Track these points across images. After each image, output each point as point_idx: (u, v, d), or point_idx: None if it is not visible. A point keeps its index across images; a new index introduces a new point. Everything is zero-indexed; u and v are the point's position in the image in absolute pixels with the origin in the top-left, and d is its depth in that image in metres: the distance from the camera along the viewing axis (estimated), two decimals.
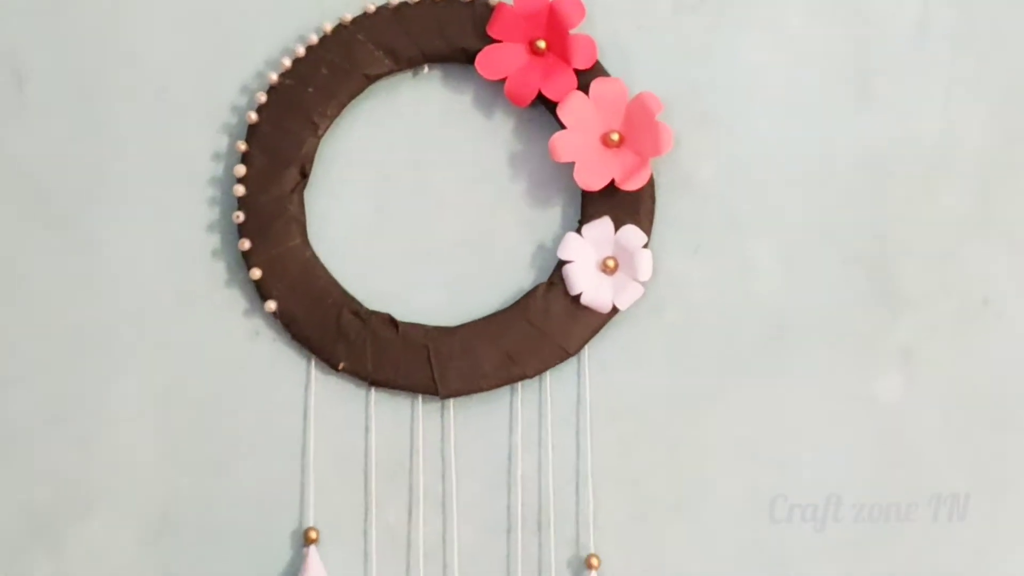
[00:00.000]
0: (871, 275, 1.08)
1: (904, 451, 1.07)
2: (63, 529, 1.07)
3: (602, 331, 1.07)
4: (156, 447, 1.08)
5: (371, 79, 1.09)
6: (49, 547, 1.07)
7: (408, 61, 1.09)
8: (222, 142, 1.09)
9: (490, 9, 1.08)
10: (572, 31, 1.07)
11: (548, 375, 1.07)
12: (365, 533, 1.07)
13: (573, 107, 1.06)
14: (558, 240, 1.08)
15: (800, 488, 1.07)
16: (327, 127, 1.08)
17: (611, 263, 1.07)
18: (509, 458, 1.07)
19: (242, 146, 1.07)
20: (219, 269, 1.09)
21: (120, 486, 1.07)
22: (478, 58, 1.07)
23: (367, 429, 1.08)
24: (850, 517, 1.06)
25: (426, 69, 1.09)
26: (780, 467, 1.07)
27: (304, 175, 1.08)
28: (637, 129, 1.06)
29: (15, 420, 1.08)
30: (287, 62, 1.08)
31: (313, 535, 1.06)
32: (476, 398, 1.07)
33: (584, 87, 1.07)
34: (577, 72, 1.07)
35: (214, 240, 1.09)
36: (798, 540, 1.06)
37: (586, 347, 1.07)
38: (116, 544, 1.07)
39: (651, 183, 1.07)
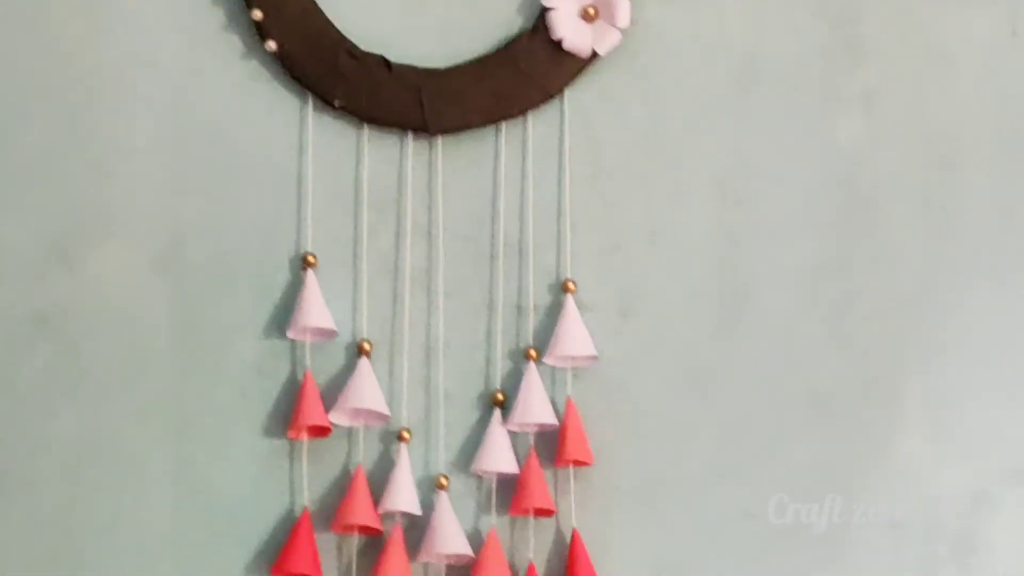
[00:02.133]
0: (836, 27, 1.15)
1: (861, 191, 1.14)
2: (79, 253, 1.14)
3: (582, 74, 1.14)
4: (164, 177, 1.15)
5: None
6: (66, 270, 1.14)
7: None
8: None
9: None
10: None
11: (531, 116, 1.14)
12: (357, 259, 1.14)
13: None
14: None
15: (762, 223, 1.14)
16: None
17: (591, 10, 1.14)
18: (493, 192, 1.14)
19: None
20: (221, 10, 1.15)
21: (132, 214, 1.14)
22: None
23: (360, 164, 1.14)
24: (809, 248, 1.13)
25: None
26: (745, 203, 1.14)
27: None
28: None
29: (34, 148, 1.15)
30: None
31: (311, 260, 1.13)
32: (463, 136, 1.14)
33: None
34: None
35: None
36: (760, 262, 1.13)
37: (567, 89, 1.14)
38: (129, 267, 1.14)
39: None
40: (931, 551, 1.10)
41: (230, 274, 1.14)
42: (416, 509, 1.08)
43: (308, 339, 1.12)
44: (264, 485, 1.11)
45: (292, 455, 1.12)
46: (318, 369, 1.11)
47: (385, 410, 1.09)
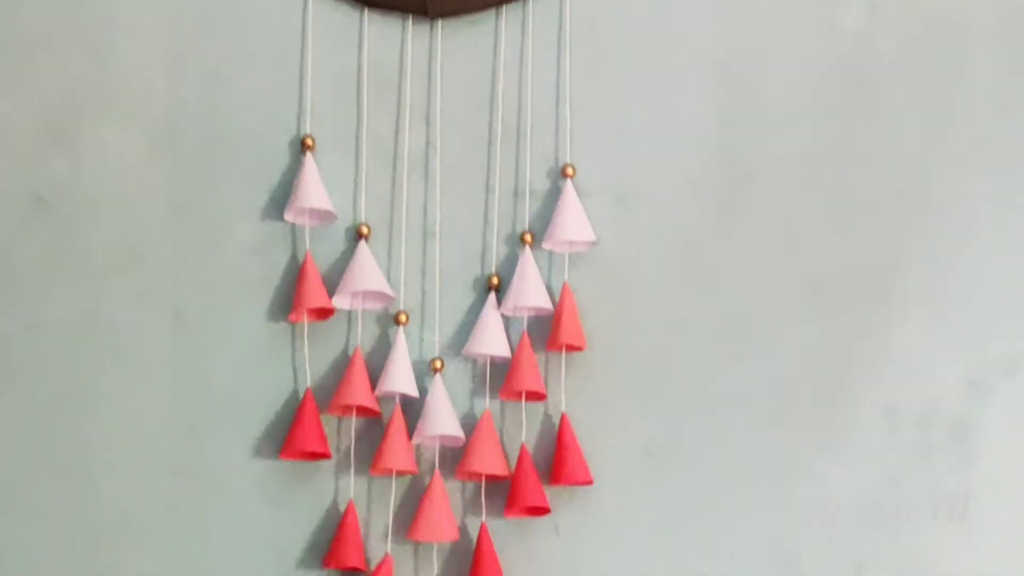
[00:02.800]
0: None
1: (863, 78, 1.13)
2: (77, 134, 1.14)
3: None
4: (164, 58, 1.14)
5: None
6: (63, 151, 1.14)
7: None
8: None
9: None
10: None
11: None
12: (356, 142, 1.14)
13: None
14: None
15: (763, 109, 1.13)
16: None
17: None
18: (492, 76, 1.14)
19: None
20: None
21: (131, 94, 1.14)
22: None
23: (360, 47, 1.14)
24: (810, 134, 1.12)
25: None
26: (746, 89, 1.13)
27: None
28: None
29: (33, 29, 1.14)
30: None
31: (309, 142, 1.13)
32: (463, 21, 1.13)
33: None
34: None
35: None
36: (760, 148, 1.13)
37: None
38: (127, 149, 1.14)
39: None
40: (925, 438, 1.10)
41: (229, 156, 1.14)
42: (413, 391, 1.09)
43: (306, 222, 1.12)
44: (264, 368, 1.12)
45: (293, 337, 1.12)
46: (317, 253, 1.12)
47: (388, 290, 1.09)
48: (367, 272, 1.10)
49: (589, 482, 1.08)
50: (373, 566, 1.09)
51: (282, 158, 1.14)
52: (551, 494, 1.09)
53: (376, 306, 1.11)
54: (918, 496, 1.09)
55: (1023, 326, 1.11)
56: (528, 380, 1.08)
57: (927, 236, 1.11)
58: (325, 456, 1.09)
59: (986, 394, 1.10)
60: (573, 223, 1.10)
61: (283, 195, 1.12)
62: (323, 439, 1.09)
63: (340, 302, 1.10)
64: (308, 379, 1.11)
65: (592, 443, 1.09)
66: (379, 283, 1.10)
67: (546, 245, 1.11)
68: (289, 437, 1.09)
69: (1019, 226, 1.12)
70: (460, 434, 1.08)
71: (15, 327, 1.13)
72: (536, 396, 1.09)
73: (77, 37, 1.14)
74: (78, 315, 1.13)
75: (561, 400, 1.10)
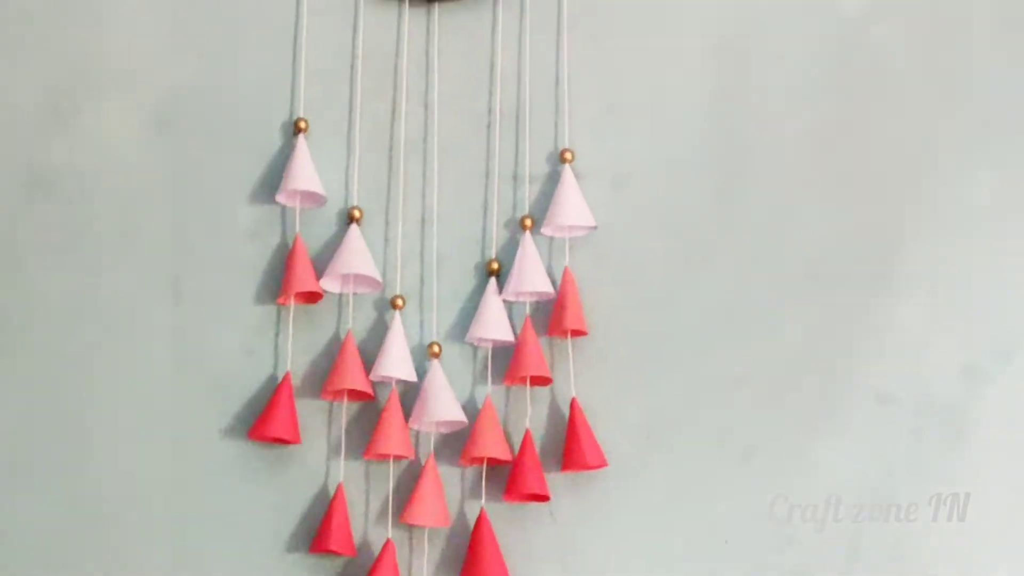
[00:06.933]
0: None
1: (863, 56, 1.13)
2: (75, 111, 1.13)
3: None
4: (161, 39, 1.14)
5: None
6: (62, 127, 1.13)
7: None
8: None
9: None
10: None
11: None
12: (351, 125, 1.13)
13: None
14: None
15: (761, 88, 1.13)
16: None
17: None
18: (490, 59, 1.13)
19: None
20: None
21: (128, 73, 1.14)
22: None
23: (356, 30, 1.13)
24: (809, 114, 1.13)
25: None
26: (745, 68, 1.13)
27: None
28: None
29: (29, 7, 1.14)
30: None
31: (303, 125, 1.12)
32: (460, 4, 1.13)
33: None
34: None
35: None
36: (759, 129, 1.13)
37: None
38: (124, 126, 1.13)
39: None
40: (920, 424, 1.11)
41: (225, 136, 1.13)
42: (411, 375, 1.09)
43: (297, 204, 1.11)
44: (254, 349, 1.11)
45: (280, 320, 1.11)
46: (310, 237, 1.11)
47: (376, 275, 1.09)
48: (356, 256, 1.09)
49: (604, 465, 1.08)
50: (371, 551, 1.09)
51: (275, 140, 1.13)
52: (549, 479, 1.08)
53: (366, 291, 1.10)
54: (913, 480, 1.10)
55: (1020, 312, 1.11)
56: (534, 365, 1.08)
57: (926, 220, 1.12)
58: (294, 441, 1.09)
59: (982, 380, 1.11)
60: (573, 208, 1.10)
61: (277, 177, 1.12)
62: (294, 426, 1.08)
63: (329, 285, 1.10)
64: (289, 363, 1.10)
65: (594, 427, 1.09)
66: (367, 267, 1.09)
67: (546, 231, 1.11)
68: (258, 421, 1.09)
69: (1018, 211, 1.12)
70: (462, 417, 1.08)
71: (14, 304, 1.12)
72: (542, 381, 1.09)
73: (74, 19, 1.14)
74: (77, 291, 1.12)
75: (571, 385, 1.10)
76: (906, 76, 1.13)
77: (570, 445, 1.08)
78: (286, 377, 1.09)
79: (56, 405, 1.11)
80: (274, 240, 1.12)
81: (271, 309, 1.12)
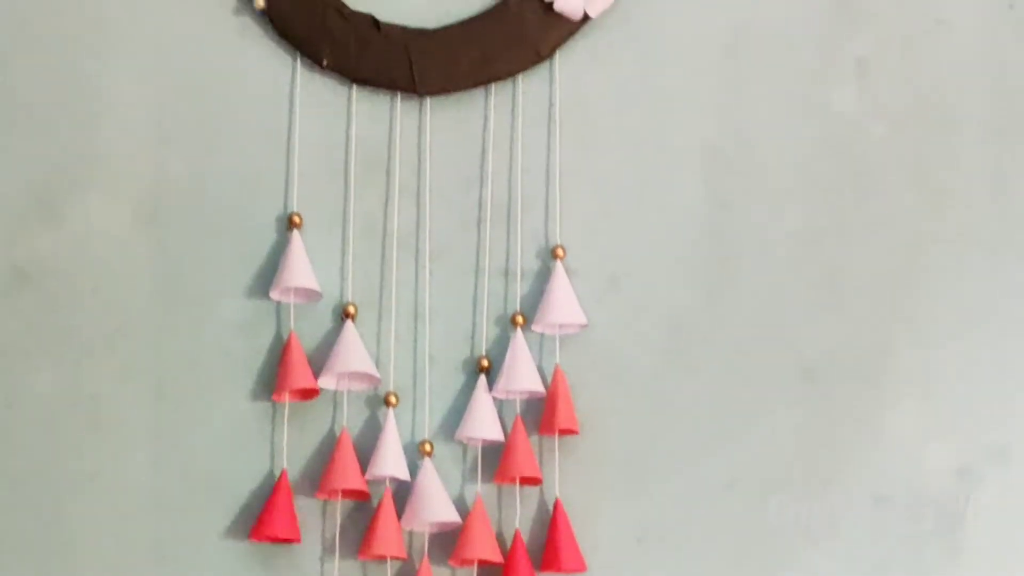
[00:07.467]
0: None
1: (854, 159, 1.13)
2: (61, 206, 1.13)
3: (573, 37, 1.13)
4: (150, 133, 1.13)
5: None
6: (48, 223, 1.13)
7: None
8: None
9: None
10: None
11: (521, 78, 1.13)
12: (344, 220, 1.13)
13: None
14: None
15: (752, 189, 1.13)
16: None
17: None
18: (482, 154, 1.13)
19: None
20: None
21: (116, 167, 1.13)
22: None
23: (348, 124, 1.13)
24: (800, 216, 1.12)
25: None
26: (736, 169, 1.13)
27: None
28: None
29: (18, 98, 1.13)
30: None
31: (296, 220, 1.12)
32: (452, 98, 1.13)
33: None
34: None
35: None
36: (750, 229, 1.13)
37: (558, 52, 1.13)
38: (112, 222, 1.13)
39: None
40: (916, 526, 1.10)
41: (215, 232, 1.13)
42: (405, 474, 1.08)
43: (292, 300, 1.11)
44: (246, 448, 1.11)
45: (275, 418, 1.11)
46: (303, 332, 1.11)
47: (375, 372, 1.09)
48: (353, 353, 1.09)
49: (582, 570, 1.08)
50: None
51: (269, 235, 1.13)
52: None
53: (362, 387, 1.10)
54: None
55: (1014, 413, 1.10)
56: (524, 466, 1.07)
57: (918, 320, 1.11)
58: (294, 540, 1.08)
59: (976, 482, 1.10)
60: (564, 306, 1.10)
61: (269, 272, 1.11)
62: (294, 526, 1.08)
63: (325, 382, 1.09)
64: (285, 460, 1.10)
65: (584, 528, 1.08)
66: (365, 364, 1.09)
67: (536, 327, 1.10)
68: (259, 520, 1.08)
69: (1011, 311, 1.12)
70: (456, 517, 1.07)
71: None
72: (531, 481, 1.09)
73: (63, 109, 1.13)
74: (60, 389, 1.11)
75: (555, 485, 1.09)
76: (896, 178, 1.13)
77: (549, 547, 1.08)
78: (283, 475, 1.09)
79: (37, 504, 1.10)
80: (266, 336, 1.12)
81: (265, 405, 1.11)
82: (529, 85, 1.13)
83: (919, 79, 1.13)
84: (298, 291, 1.10)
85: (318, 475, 1.09)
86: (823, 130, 1.13)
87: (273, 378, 1.10)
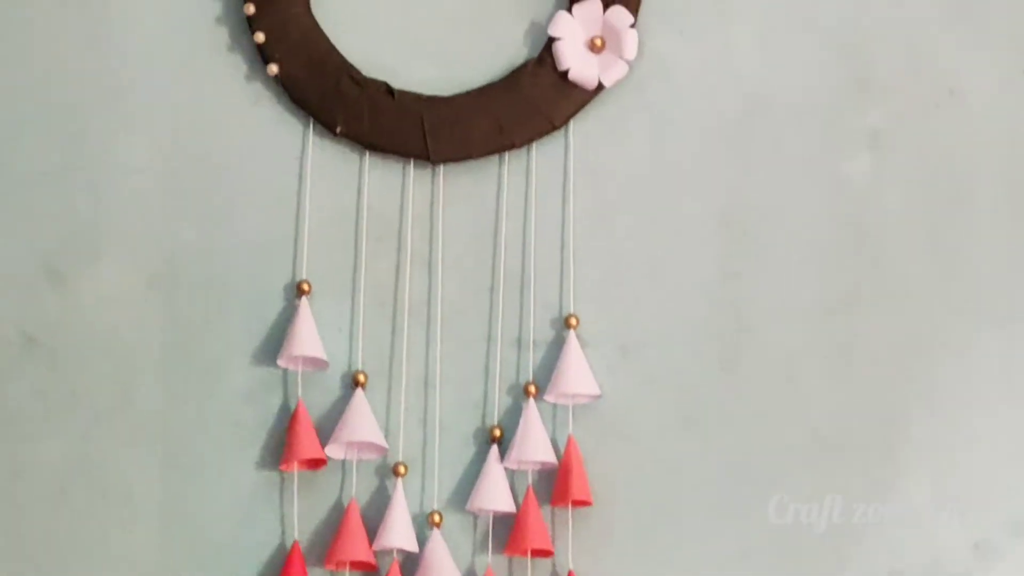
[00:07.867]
0: (845, 62, 1.13)
1: (867, 230, 1.12)
2: (71, 273, 1.12)
3: (588, 106, 1.12)
4: (161, 199, 1.13)
5: None
6: (57, 290, 1.12)
7: None
8: None
9: None
10: None
11: (535, 146, 1.13)
12: (354, 288, 1.12)
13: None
14: (549, 18, 1.13)
15: (766, 260, 1.12)
16: None
17: (599, 41, 1.12)
18: (495, 223, 1.13)
19: None
20: (224, 33, 1.14)
21: (127, 233, 1.13)
22: None
23: (360, 191, 1.13)
24: (813, 286, 1.12)
25: None
26: (749, 239, 1.12)
27: None
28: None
29: (27, 166, 1.13)
30: None
31: (305, 287, 1.11)
32: (465, 166, 1.13)
33: None
34: None
35: (219, 5, 1.14)
36: (763, 300, 1.12)
37: (572, 121, 1.12)
38: (122, 289, 1.12)
39: None
40: None
41: (224, 299, 1.12)
42: (413, 546, 1.07)
43: (299, 368, 1.10)
44: (254, 517, 1.10)
45: (283, 487, 1.10)
46: (312, 400, 1.10)
47: (383, 442, 1.08)
48: (361, 422, 1.08)
49: None
50: None
51: (278, 302, 1.12)
52: None
53: (370, 456, 1.09)
54: None
55: None
56: (536, 538, 1.06)
57: (932, 392, 1.11)
58: None
59: (993, 556, 1.09)
60: (577, 376, 1.09)
61: (278, 339, 1.11)
62: None
63: (334, 452, 1.09)
64: (296, 532, 1.09)
65: None
66: (374, 434, 1.08)
67: (549, 397, 1.10)
68: None
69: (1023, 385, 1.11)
70: None
71: (3, 468, 1.10)
72: (543, 553, 1.07)
73: (74, 175, 1.13)
74: (68, 457, 1.11)
75: (568, 559, 1.08)
76: (911, 249, 1.12)
77: None
78: (294, 547, 1.08)
79: (43, 574, 1.09)
80: (274, 403, 1.11)
81: (273, 475, 1.10)
82: (543, 154, 1.13)
83: (933, 150, 1.13)
84: (305, 359, 1.10)
85: (327, 545, 1.08)
86: (837, 201, 1.13)
87: (281, 447, 1.09)
